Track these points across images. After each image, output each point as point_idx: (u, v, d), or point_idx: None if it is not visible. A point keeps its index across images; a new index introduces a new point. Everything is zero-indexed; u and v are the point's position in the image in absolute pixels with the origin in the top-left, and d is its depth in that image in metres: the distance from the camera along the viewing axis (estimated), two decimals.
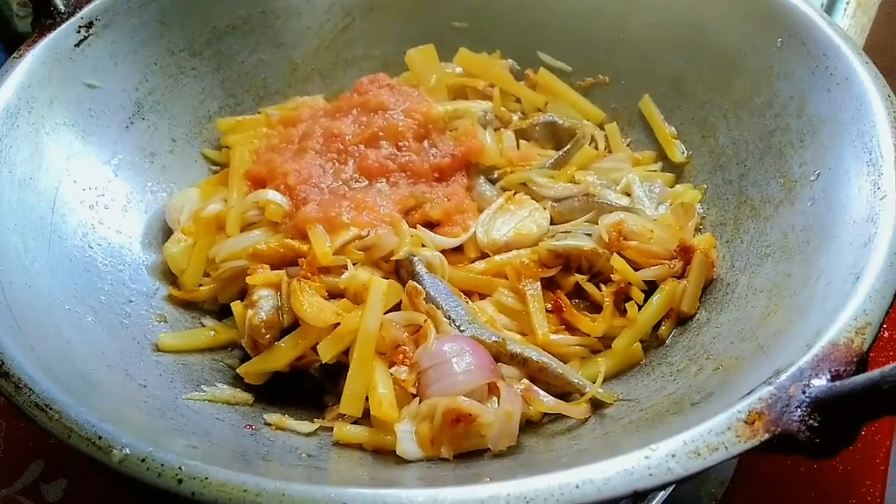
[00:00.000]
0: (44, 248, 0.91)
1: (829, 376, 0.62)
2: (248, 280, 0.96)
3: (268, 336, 0.92)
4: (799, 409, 0.60)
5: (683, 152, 1.16)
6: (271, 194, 1.05)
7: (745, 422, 0.60)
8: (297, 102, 1.26)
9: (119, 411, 0.71)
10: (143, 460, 0.60)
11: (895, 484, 1.03)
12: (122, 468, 0.61)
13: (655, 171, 1.18)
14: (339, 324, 0.89)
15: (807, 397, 0.60)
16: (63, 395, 0.66)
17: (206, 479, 0.58)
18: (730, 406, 0.62)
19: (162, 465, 0.60)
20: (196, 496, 0.58)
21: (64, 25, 1.04)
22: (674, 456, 0.58)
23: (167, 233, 1.08)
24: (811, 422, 0.59)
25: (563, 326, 0.97)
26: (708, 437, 0.59)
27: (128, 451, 0.61)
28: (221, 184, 1.13)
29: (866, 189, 0.82)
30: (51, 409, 0.65)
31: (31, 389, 0.66)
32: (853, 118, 0.88)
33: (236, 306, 0.96)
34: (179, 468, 0.59)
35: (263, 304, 0.93)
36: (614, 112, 1.26)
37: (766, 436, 0.59)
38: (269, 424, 0.87)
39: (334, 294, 0.96)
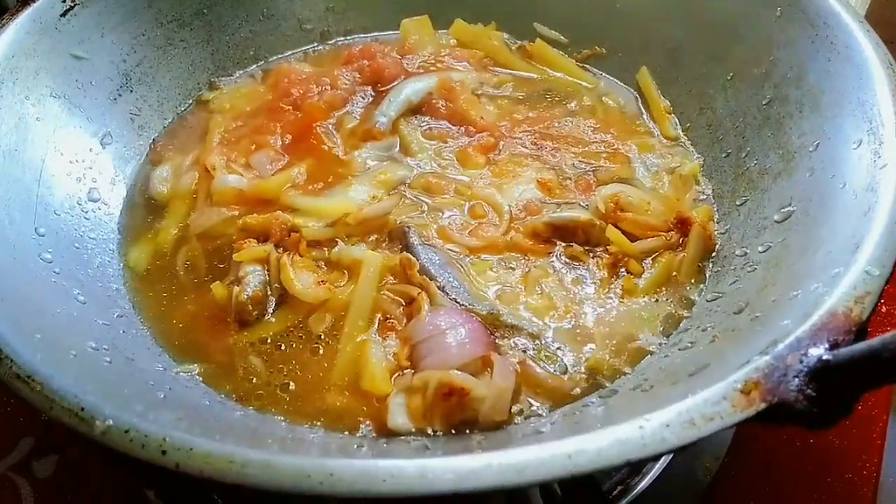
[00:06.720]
0: (30, 221, 0.89)
1: (827, 345, 0.61)
2: (236, 257, 0.94)
3: (255, 312, 0.91)
4: (796, 379, 0.58)
5: (677, 126, 1.15)
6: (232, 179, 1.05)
7: (742, 391, 0.59)
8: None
9: (105, 383, 0.69)
10: (126, 431, 0.59)
11: (891, 458, 1.02)
12: (105, 440, 0.59)
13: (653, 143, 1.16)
14: None
15: (804, 367, 0.59)
16: (45, 366, 0.65)
17: (191, 449, 0.57)
18: (726, 376, 0.60)
19: (146, 436, 0.58)
20: (181, 467, 0.57)
21: None
22: (668, 426, 0.57)
23: (156, 207, 1.06)
24: (808, 391, 0.58)
25: None
26: (703, 407, 0.58)
27: (111, 422, 0.60)
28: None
29: (866, 158, 0.80)
30: (32, 380, 0.63)
31: (11, 360, 0.65)
32: (854, 87, 0.86)
33: (217, 288, 0.93)
34: (164, 439, 0.58)
35: (251, 280, 0.91)
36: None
37: (763, 405, 0.58)
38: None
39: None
